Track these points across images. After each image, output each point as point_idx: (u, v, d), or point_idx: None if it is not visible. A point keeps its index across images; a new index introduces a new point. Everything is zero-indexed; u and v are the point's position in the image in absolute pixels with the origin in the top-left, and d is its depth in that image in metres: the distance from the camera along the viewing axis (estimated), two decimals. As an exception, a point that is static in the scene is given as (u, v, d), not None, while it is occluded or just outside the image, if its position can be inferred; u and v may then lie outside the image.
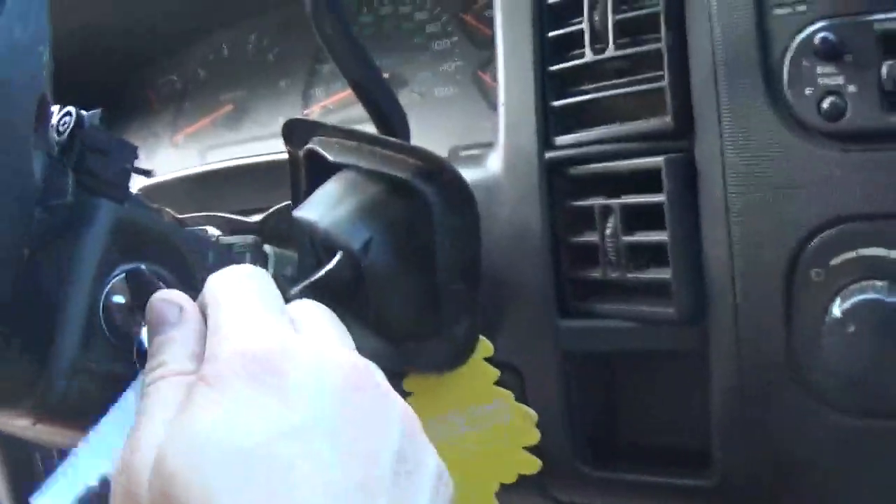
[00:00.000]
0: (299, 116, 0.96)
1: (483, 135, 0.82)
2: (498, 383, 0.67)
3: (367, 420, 0.42)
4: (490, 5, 0.84)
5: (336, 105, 0.94)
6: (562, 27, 0.66)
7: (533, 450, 0.67)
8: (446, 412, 0.68)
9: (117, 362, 0.50)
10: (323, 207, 0.60)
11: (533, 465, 0.67)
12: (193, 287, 0.57)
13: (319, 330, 0.47)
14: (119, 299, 0.51)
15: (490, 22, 0.84)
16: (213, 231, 0.81)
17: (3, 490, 1.39)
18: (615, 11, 0.63)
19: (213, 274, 0.49)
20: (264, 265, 0.68)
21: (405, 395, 0.70)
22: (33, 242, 0.50)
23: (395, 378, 0.70)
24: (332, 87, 0.95)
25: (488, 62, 0.85)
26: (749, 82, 0.57)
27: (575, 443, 0.68)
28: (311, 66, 0.97)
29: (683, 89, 0.61)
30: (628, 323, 0.64)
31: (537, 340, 0.67)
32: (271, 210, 0.79)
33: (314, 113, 0.96)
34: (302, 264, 0.70)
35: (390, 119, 0.66)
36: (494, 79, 0.82)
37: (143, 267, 0.53)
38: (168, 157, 1.00)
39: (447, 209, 0.59)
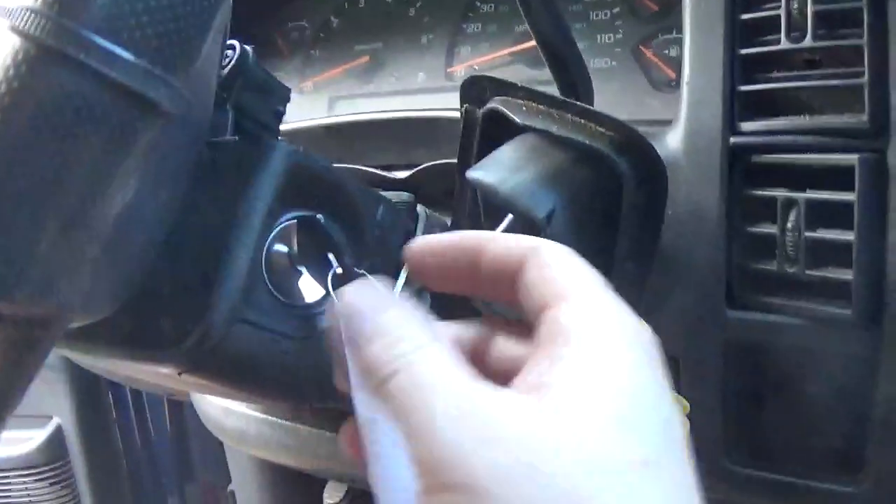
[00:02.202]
0: (444, 72, 0.99)
1: (641, 111, 0.84)
2: (649, 369, 0.69)
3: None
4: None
5: (483, 66, 0.96)
6: (756, 10, 0.67)
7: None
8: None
9: (274, 314, 0.50)
10: (503, 170, 0.62)
11: (677, 455, 0.69)
12: (362, 241, 0.58)
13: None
14: (281, 248, 0.51)
15: (654, -5, 0.86)
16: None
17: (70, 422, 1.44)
18: (815, 1, 0.64)
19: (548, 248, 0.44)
20: (415, 225, 0.70)
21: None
22: (197, 180, 0.49)
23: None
24: (479, 48, 0.97)
25: (651, 36, 0.86)
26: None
27: (727, 437, 0.70)
28: (457, 23, 0.98)
29: (882, 89, 0.62)
30: (799, 320, 0.66)
31: (702, 329, 0.69)
32: (421, 168, 0.81)
33: (458, 72, 0.97)
34: (457, 226, 0.72)
35: (576, 84, 0.67)
36: (657, 54, 0.85)
37: (319, 216, 0.54)
38: (294, 105, 1.01)
39: (638, 184, 0.61)
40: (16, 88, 0.35)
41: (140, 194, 0.43)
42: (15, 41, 0.35)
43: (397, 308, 0.41)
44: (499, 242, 0.45)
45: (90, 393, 1.43)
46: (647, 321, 0.66)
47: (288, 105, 0.58)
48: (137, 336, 0.48)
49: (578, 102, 0.62)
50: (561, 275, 0.42)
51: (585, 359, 0.37)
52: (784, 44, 0.65)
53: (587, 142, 0.60)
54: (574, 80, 0.67)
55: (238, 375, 0.52)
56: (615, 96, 0.75)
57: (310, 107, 1.03)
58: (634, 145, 0.61)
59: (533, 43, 0.90)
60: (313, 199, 0.54)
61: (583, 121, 0.62)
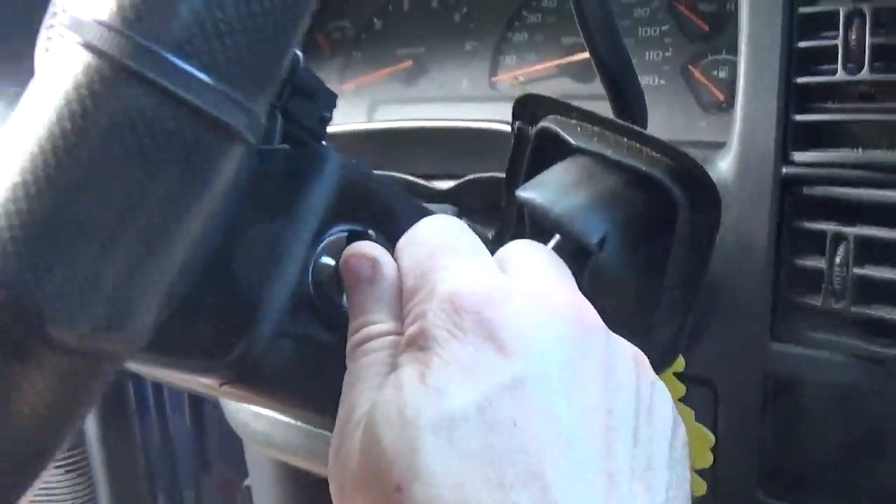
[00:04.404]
0: (488, 81, 0.99)
1: (689, 132, 0.84)
2: (682, 399, 0.70)
3: (599, 363, 0.40)
4: (706, -1, 0.86)
5: (528, 77, 0.96)
6: (813, 39, 0.67)
7: (702, 472, 0.69)
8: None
9: (320, 328, 0.50)
10: (555, 192, 0.62)
11: (700, 487, 0.69)
12: None
13: (535, 269, 0.46)
14: (328, 261, 0.51)
15: (704, 15, 0.86)
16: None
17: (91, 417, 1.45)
18: (873, 34, 0.64)
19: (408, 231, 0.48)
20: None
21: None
22: (245, 188, 0.48)
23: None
24: (525, 58, 0.97)
25: (700, 56, 0.87)
26: None
27: (762, 469, 0.71)
28: (502, 32, 0.99)
29: (940, 126, 0.62)
30: (842, 356, 0.66)
31: (743, 358, 0.69)
32: (465, 180, 0.82)
33: (503, 82, 0.98)
34: (501, 244, 0.72)
35: (631, 105, 0.68)
36: (706, 75, 0.85)
37: (370, 232, 0.53)
38: (334, 106, 1.02)
39: (692, 213, 0.61)
40: (88, 109, 0.33)
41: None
42: (87, 58, 0.34)
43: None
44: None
45: (110, 382, 1.43)
46: (687, 346, 0.68)
47: (332, 108, 0.57)
48: (179, 346, 0.48)
49: (635, 126, 0.62)
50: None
51: None
52: (840, 75, 0.66)
53: (643, 168, 0.60)
54: (630, 103, 0.67)
55: (280, 388, 0.52)
56: (662, 115, 0.75)
57: (350, 109, 1.03)
58: (691, 174, 0.61)
59: (580, 56, 0.91)
60: (364, 213, 0.53)
61: (639, 145, 0.62)
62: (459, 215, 0.70)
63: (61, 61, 0.35)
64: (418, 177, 0.86)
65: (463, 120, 0.87)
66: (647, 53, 0.89)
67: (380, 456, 0.38)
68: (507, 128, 0.81)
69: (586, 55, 0.89)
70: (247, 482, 1.35)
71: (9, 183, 0.33)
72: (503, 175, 0.74)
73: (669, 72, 0.87)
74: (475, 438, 0.37)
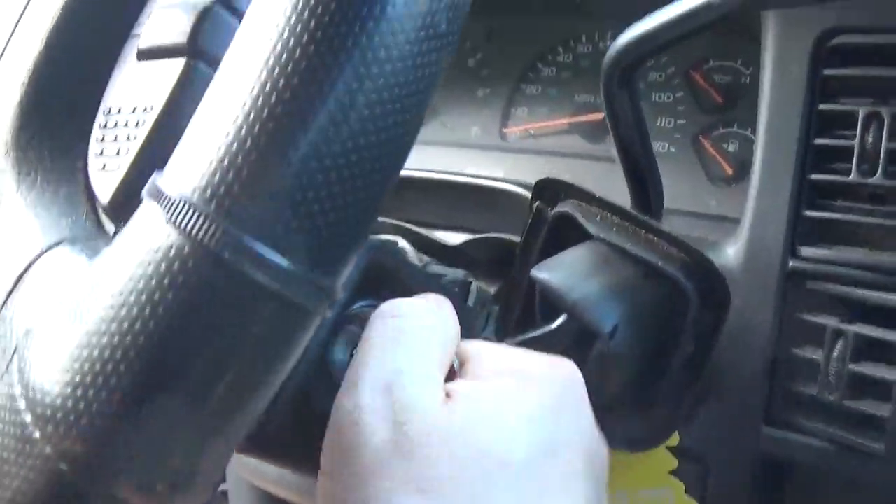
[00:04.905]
0: (499, 131, 1.01)
1: (694, 203, 0.86)
2: (673, 472, 0.73)
3: (594, 433, 0.49)
4: (722, 70, 0.88)
5: (539, 132, 0.98)
6: (830, 137, 0.69)
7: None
8: (614, 491, 0.73)
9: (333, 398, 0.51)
10: (571, 276, 0.64)
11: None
12: None
13: None
14: (347, 331, 0.52)
15: (719, 87, 0.88)
16: (404, 245, 0.85)
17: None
18: (890, 138, 0.66)
19: None
20: (465, 300, 0.72)
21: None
22: None
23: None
24: (536, 112, 0.98)
25: (711, 127, 0.89)
26: None
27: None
28: (516, 83, 1.00)
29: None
30: (831, 445, 0.69)
31: (736, 439, 0.72)
32: (476, 238, 0.84)
33: (514, 134, 0.99)
34: (508, 310, 0.75)
35: (648, 192, 0.70)
36: (715, 147, 0.87)
37: None
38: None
39: (702, 308, 0.64)
40: (168, 287, 0.34)
41: None
42: (170, 234, 0.35)
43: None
44: None
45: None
46: (685, 422, 0.70)
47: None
48: None
49: (653, 222, 0.65)
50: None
51: None
52: (854, 176, 0.67)
53: (659, 263, 0.63)
54: (647, 190, 0.70)
55: (292, 456, 0.54)
56: (669, 183, 0.76)
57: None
58: (704, 271, 0.63)
59: (593, 116, 0.93)
60: (385, 290, 0.55)
61: (656, 240, 0.64)
62: (470, 281, 0.72)
63: (144, 231, 0.36)
64: (421, 226, 0.88)
65: (475, 176, 0.89)
66: (658, 119, 0.90)
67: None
68: (519, 189, 0.83)
69: (599, 116, 0.92)
70: (223, 487, 1.36)
71: (94, 342, 0.35)
72: (512, 237, 0.77)
73: (680, 140, 0.89)
74: (529, 488, 0.44)
